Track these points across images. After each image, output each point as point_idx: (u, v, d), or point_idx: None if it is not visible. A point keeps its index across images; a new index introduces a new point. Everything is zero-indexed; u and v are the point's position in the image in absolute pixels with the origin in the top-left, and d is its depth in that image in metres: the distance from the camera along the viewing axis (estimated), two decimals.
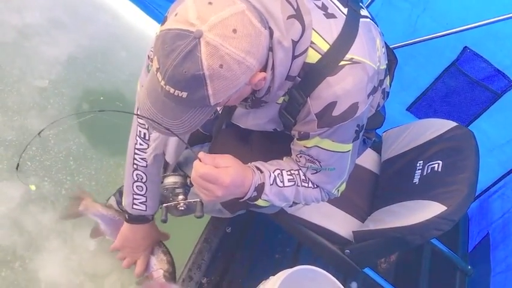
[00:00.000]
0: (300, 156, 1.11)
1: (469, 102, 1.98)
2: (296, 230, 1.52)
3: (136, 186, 1.37)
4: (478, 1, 1.69)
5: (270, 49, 0.88)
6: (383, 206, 1.50)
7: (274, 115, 1.08)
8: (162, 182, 1.22)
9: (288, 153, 1.18)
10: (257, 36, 0.82)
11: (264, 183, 1.09)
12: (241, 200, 1.11)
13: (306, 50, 0.93)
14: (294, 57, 0.92)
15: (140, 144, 1.33)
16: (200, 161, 1.00)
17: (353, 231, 1.45)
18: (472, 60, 1.86)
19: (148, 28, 2.52)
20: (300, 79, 0.97)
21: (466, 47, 1.83)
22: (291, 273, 1.22)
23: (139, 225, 1.44)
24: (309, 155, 1.08)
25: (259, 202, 1.12)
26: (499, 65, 1.82)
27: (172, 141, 1.31)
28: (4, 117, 1.84)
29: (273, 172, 1.12)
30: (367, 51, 0.97)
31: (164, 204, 1.26)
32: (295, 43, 0.90)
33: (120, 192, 1.66)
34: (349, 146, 1.08)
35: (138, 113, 0.99)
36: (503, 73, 1.82)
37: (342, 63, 0.93)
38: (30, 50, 2.16)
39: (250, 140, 1.32)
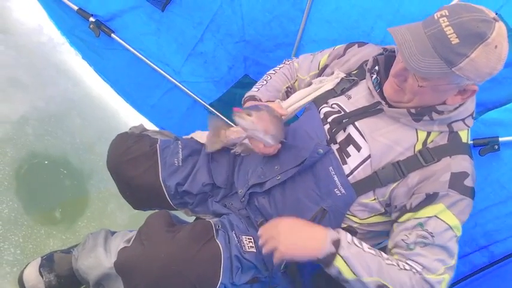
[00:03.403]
0: (410, 234, 1.18)
1: None
2: None
3: (264, 78, 1.59)
4: None
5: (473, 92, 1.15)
6: None
7: (407, 144, 1.23)
8: None
9: None
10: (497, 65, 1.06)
11: (339, 238, 1.16)
12: (319, 258, 1.15)
13: (464, 120, 1.23)
14: (467, 116, 1.22)
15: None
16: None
17: None
18: None
19: (108, 99, 2.54)
20: (447, 142, 1.21)
21: None
22: None
23: (247, 103, 1.49)
24: (425, 229, 1.16)
25: (339, 263, 1.14)
26: None
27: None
28: None
29: (350, 234, 1.20)
30: None
31: None
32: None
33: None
34: (460, 229, 1.18)
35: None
36: None
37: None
38: None
39: None
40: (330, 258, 1.15)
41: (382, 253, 1.20)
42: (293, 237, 1.17)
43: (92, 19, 2.08)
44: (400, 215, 1.22)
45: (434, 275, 1.15)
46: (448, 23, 1.03)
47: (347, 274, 1.15)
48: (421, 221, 1.17)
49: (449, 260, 1.17)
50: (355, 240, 1.19)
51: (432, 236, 1.15)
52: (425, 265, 1.16)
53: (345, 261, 1.14)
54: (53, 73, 2.49)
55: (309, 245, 1.17)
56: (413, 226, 1.18)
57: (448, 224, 1.16)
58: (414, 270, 1.16)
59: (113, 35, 2.11)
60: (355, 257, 1.15)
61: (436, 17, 1.06)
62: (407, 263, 1.18)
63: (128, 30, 2.11)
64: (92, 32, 2.12)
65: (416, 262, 1.17)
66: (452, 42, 1.02)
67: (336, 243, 1.16)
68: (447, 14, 1.05)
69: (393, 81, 1.22)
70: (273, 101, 1.50)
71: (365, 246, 1.19)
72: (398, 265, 1.17)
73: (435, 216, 1.16)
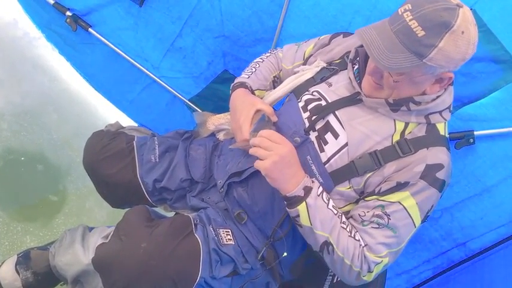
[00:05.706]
0: (368, 211, 1.20)
1: None
2: None
3: (252, 66, 1.57)
4: None
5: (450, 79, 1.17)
6: None
7: (385, 134, 1.24)
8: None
9: None
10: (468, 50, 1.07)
11: (312, 187, 1.19)
12: (288, 195, 1.18)
13: (442, 112, 1.24)
14: (444, 108, 1.24)
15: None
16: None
17: None
18: None
19: (86, 94, 2.50)
20: (425, 134, 1.22)
21: None
22: None
23: (237, 90, 1.45)
24: (383, 211, 1.18)
25: (301, 208, 1.17)
26: None
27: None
28: None
29: (322, 188, 1.22)
30: None
31: None
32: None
33: None
34: (419, 221, 1.20)
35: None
36: None
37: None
38: None
39: None
40: (296, 200, 1.18)
41: (343, 216, 1.23)
42: (283, 164, 1.17)
43: (68, 13, 2.05)
44: (367, 196, 1.24)
45: (374, 255, 1.19)
46: (411, 17, 1.05)
47: (304, 220, 1.19)
48: (383, 204, 1.19)
49: (395, 246, 1.20)
50: (324, 196, 1.21)
51: (389, 218, 1.18)
52: (369, 244, 1.19)
53: (307, 209, 1.17)
54: (29, 68, 2.44)
55: (287, 179, 1.18)
56: (374, 206, 1.20)
57: (407, 211, 1.18)
58: (361, 243, 1.20)
59: (90, 29, 2.08)
60: (317, 208, 1.18)
61: (400, 12, 1.08)
62: (356, 234, 1.21)
63: (105, 24, 2.08)
64: (68, 27, 2.09)
65: (363, 239, 1.20)
66: (419, 35, 1.04)
67: (307, 190, 1.19)
68: (410, 8, 1.06)
69: (370, 79, 1.23)
70: (263, 90, 1.52)
71: (330, 203, 1.21)
72: (351, 232, 1.20)
73: (398, 201, 1.18)
